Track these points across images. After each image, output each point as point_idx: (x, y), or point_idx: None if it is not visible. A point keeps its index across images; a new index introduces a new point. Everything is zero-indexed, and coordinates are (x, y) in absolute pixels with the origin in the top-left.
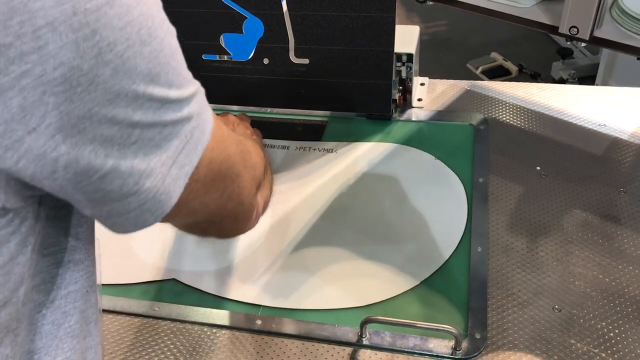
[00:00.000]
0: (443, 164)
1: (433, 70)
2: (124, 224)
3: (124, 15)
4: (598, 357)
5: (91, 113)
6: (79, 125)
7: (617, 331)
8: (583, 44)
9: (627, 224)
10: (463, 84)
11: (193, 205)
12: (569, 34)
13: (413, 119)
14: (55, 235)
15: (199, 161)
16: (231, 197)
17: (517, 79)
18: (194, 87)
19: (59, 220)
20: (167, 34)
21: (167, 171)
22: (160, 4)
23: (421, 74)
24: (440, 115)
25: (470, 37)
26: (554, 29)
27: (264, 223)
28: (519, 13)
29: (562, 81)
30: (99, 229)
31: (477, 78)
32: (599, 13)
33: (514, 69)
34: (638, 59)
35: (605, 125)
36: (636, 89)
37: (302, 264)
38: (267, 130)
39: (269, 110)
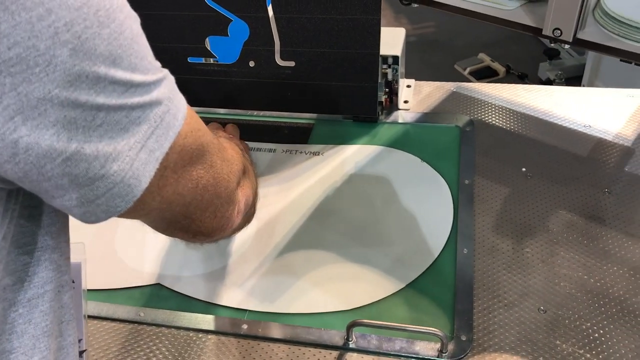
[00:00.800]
0: (429, 166)
1: (421, 71)
2: (95, 211)
3: None
4: (583, 358)
5: (52, 95)
6: (39, 107)
7: (601, 331)
8: (567, 46)
9: (612, 224)
10: (449, 86)
11: (166, 194)
12: (552, 35)
13: (399, 121)
14: (30, 234)
15: (171, 147)
16: (207, 188)
17: (504, 79)
18: (162, 73)
19: (33, 219)
20: (127, 17)
21: (136, 155)
22: None
23: (409, 76)
24: (426, 117)
25: (457, 38)
26: (537, 31)
27: (250, 226)
28: (502, 15)
29: (549, 82)
30: (84, 234)
31: (465, 79)
32: (581, 15)
33: (501, 69)
34: (621, 60)
35: (590, 126)
36: (621, 89)
37: (289, 267)
38: (253, 133)
39: (255, 113)
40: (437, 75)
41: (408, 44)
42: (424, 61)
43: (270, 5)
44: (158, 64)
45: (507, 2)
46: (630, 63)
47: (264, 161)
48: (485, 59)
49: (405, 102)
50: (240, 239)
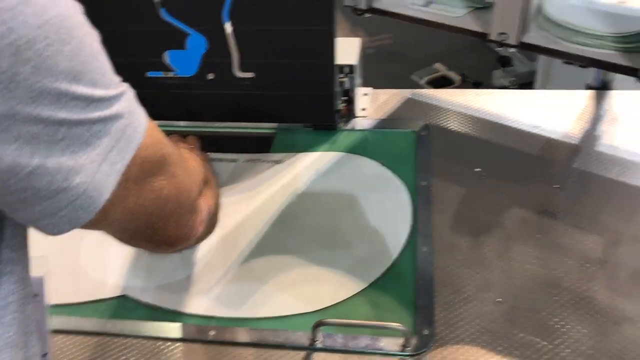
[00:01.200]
0: (387, 169)
1: (379, 82)
2: (59, 223)
3: (40, 14)
4: (539, 345)
5: (14, 111)
6: (2, 124)
7: (556, 319)
8: (513, 50)
9: (563, 218)
10: (405, 93)
11: (129, 205)
12: (498, 40)
13: (358, 128)
14: None
15: (132, 159)
16: (169, 198)
17: (460, 88)
18: (122, 88)
19: None
20: (87, 34)
21: (98, 167)
22: (78, 7)
23: (368, 86)
24: (383, 124)
25: (414, 49)
26: (484, 36)
27: (214, 235)
28: (452, 22)
29: (503, 88)
30: (47, 247)
31: (422, 89)
32: (524, 20)
33: (457, 78)
34: (564, 62)
35: (539, 127)
36: (566, 91)
37: (254, 273)
38: (215, 144)
39: (216, 124)
40: (395, 85)
41: (366, 56)
42: (382, 72)
43: (227, 17)
44: (118, 78)
45: (455, 9)
46: (572, 64)
47: (226, 171)
48: (441, 68)
49: (363, 109)
50: (205, 248)
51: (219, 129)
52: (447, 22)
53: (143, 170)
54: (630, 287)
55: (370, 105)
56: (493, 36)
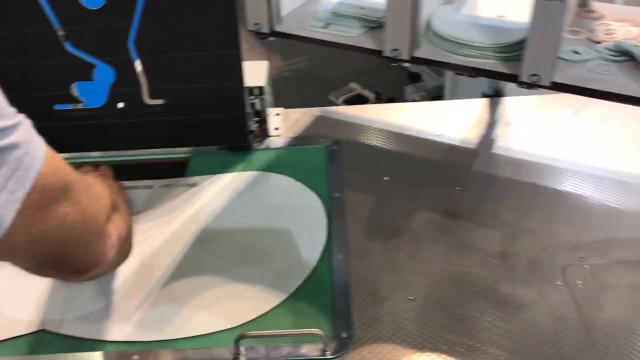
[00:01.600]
0: (301, 184)
1: (296, 104)
2: None
3: None
4: (451, 336)
5: None
6: None
7: (463, 311)
8: (406, 64)
9: (466, 218)
10: (315, 111)
11: (33, 232)
12: (391, 56)
13: (272, 147)
14: None
15: (32, 187)
16: (74, 224)
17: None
18: (17, 118)
19: None
20: None
21: None
22: None
23: (287, 107)
24: (296, 141)
25: (329, 70)
26: (379, 53)
27: (133, 261)
28: (349, 42)
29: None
30: None
31: (334, 106)
32: (415, 36)
33: (371, 96)
34: (455, 73)
35: (441, 135)
36: (465, 100)
37: (175, 295)
38: (129, 172)
39: (130, 152)
40: (312, 106)
41: (283, 79)
42: (299, 94)
43: (134, 47)
44: (13, 110)
45: (352, 30)
46: (462, 75)
47: (142, 198)
48: (356, 87)
49: (276, 129)
50: (123, 275)
51: (132, 157)
52: (344, 42)
53: (45, 197)
54: (528, 275)
55: (283, 124)
56: (387, 53)
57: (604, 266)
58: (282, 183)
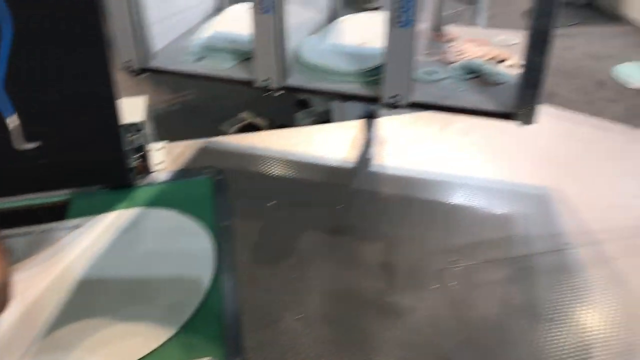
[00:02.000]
0: (187, 217)
1: (186, 137)
2: None
3: None
4: (340, 350)
5: None
6: None
7: (351, 324)
8: (278, 93)
9: (348, 234)
10: (199, 143)
11: None
12: (263, 86)
13: (155, 181)
14: None
15: None
16: None
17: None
18: None
19: None
20: None
21: None
22: None
23: (177, 141)
24: (180, 174)
25: (220, 101)
26: (251, 84)
27: (13, 312)
28: (223, 74)
29: None
30: None
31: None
32: (284, 66)
33: (263, 124)
34: (326, 99)
35: (322, 157)
36: (343, 122)
37: (60, 342)
38: (7, 220)
39: (6, 200)
40: (204, 138)
41: (173, 112)
42: (189, 127)
43: (3, 90)
44: None
45: (225, 62)
46: (333, 99)
47: (21, 246)
48: (247, 116)
49: (159, 163)
50: (4, 325)
51: (9, 204)
52: (217, 75)
53: None
54: (408, 282)
55: (167, 158)
56: (258, 83)
57: (475, 266)
58: (167, 217)
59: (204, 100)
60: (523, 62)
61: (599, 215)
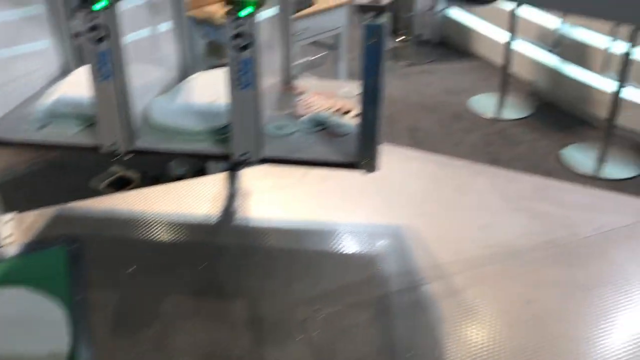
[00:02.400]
0: (39, 294)
1: (55, 197)
2: None
3: None
4: None
5: None
6: None
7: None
8: (127, 157)
9: (212, 293)
10: (51, 211)
11: None
12: (109, 151)
13: (3, 257)
14: None
15: None
16: None
17: (140, 185)
18: None
19: None
20: None
21: None
22: None
23: (41, 206)
24: (31, 247)
25: (87, 156)
26: (97, 149)
27: None
28: (67, 140)
29: (181, 177)
30: None
31: (104, 194)
32: (130, 128)
33: (136, 176)
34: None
35: (185, 214)
36: (203, 178)
37: None
38: None
39: None
40: (72, 198)
41: (36, 172)
42: (56, 187)
43: None
44: None
45: (70, 128)
46: (185, 159)
47: None
48: (118, 170)
49: (8, 236)
50: None
51: None
52: (61, 142)
53: None
54: (272, 335)
55: (17, 230)
56: (104, 149)
57: (337, 312)
58: (17, 297)
59: (71, 157)
60: (359, 115)
61: (449, 248)
